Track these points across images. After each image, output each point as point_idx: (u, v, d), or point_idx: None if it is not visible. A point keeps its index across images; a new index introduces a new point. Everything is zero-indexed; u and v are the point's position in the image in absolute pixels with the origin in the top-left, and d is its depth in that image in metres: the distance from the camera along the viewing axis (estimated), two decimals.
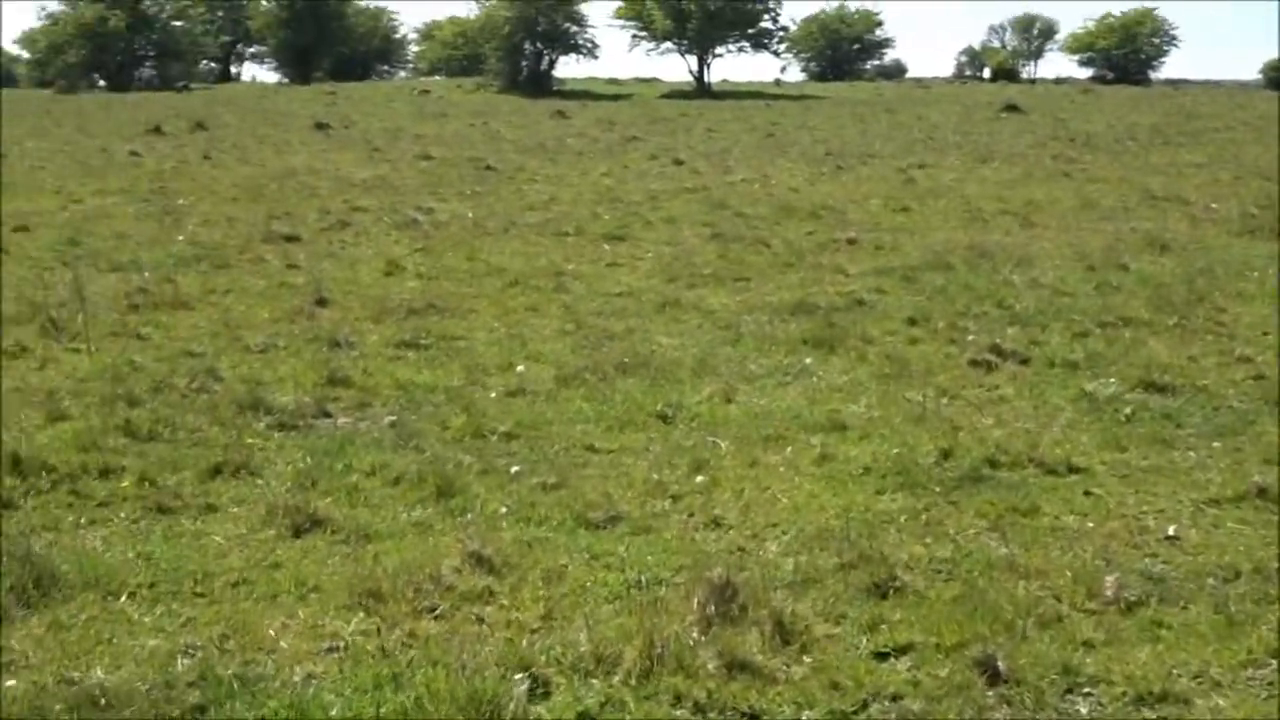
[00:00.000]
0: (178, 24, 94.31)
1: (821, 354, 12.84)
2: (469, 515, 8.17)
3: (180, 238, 21.04)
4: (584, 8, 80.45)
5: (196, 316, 14.95)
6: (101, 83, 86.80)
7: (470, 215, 23.61)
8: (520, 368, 12.39)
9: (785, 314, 14.78)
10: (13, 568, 6.86)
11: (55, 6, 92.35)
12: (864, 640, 6.41)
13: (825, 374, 12.04)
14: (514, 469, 9.03)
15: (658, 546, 7.66)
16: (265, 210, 24.54)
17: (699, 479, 8.89)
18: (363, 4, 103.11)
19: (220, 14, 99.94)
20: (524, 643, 6.27)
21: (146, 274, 17.24)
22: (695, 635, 6.27)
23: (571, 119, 52.32)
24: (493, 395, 11.36)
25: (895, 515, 8.20)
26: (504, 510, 8.26)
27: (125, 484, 8.81)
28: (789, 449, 9.59)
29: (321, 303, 15.55)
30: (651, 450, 9.66)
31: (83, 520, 8.18)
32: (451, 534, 7.70)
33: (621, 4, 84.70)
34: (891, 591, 6.92)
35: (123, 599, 6.89)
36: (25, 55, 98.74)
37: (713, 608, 6.40)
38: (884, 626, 6.52)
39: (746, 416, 10.54)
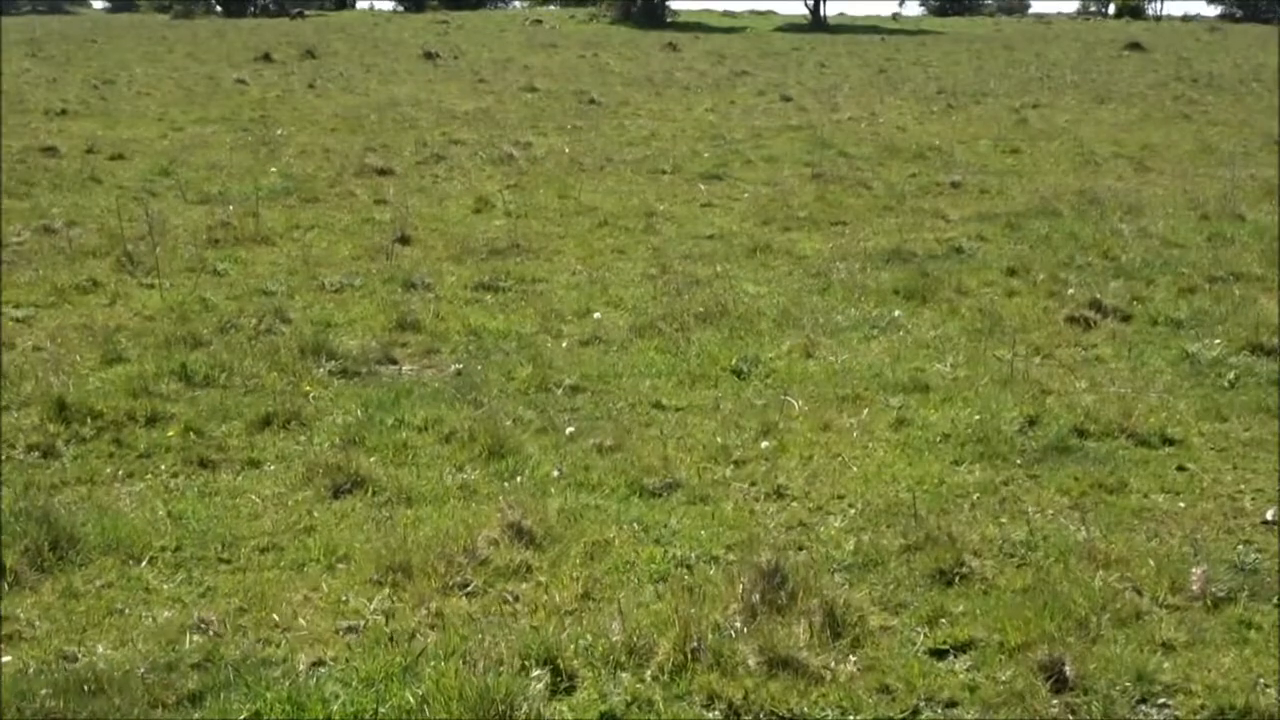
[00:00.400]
0: None
1: (912, 306, 12.27)
2: (518, 479, 7.76)
3: (273, 169, 20.82)
4: None
5: (276, 252, 14.66)
6: (218, 8, 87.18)
7: (567, 151, 23.16)
8: (597, 314, 11.96)
9: (879, 261, 14.19)
10: (29, 529, 6.55)
11: None
12: (921, 635, 5.91)
13: (914, 328, 11.47)
14: (569, 429, 8.59)
15: (713, 519, 7.20)
16: (362, 142, 24.30)
17: (766, 443, 8.41)
18: None
19: None
20: (552, 628, 5.84)
21: (231, 207, 16.97)
22: (737, 625, 5.81)
23: (682, 51, 51.56)
24: (564, 344, 10.93)
25: (970, 489, 7.66)
26: (555, 474, 7.83)
27: (171, 433, 8.51)
28: (865, 411, 9.07)
29: (404, 240, 15.21)
30: (721, 409, 9.18)
31: (120, 473, 7.89)
32: (496, 500, 7.29)
33: None
34: (957, 579, 6.40)
35: (144, 564, 6.56)
36: None
37: (758, 595, 5.92)
38: (944, 620, 6.01)
39: (825, 374, 10.02)
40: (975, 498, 7.53)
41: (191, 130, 26.40)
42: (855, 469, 8.02)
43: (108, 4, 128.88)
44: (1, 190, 18.18)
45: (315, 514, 7.25)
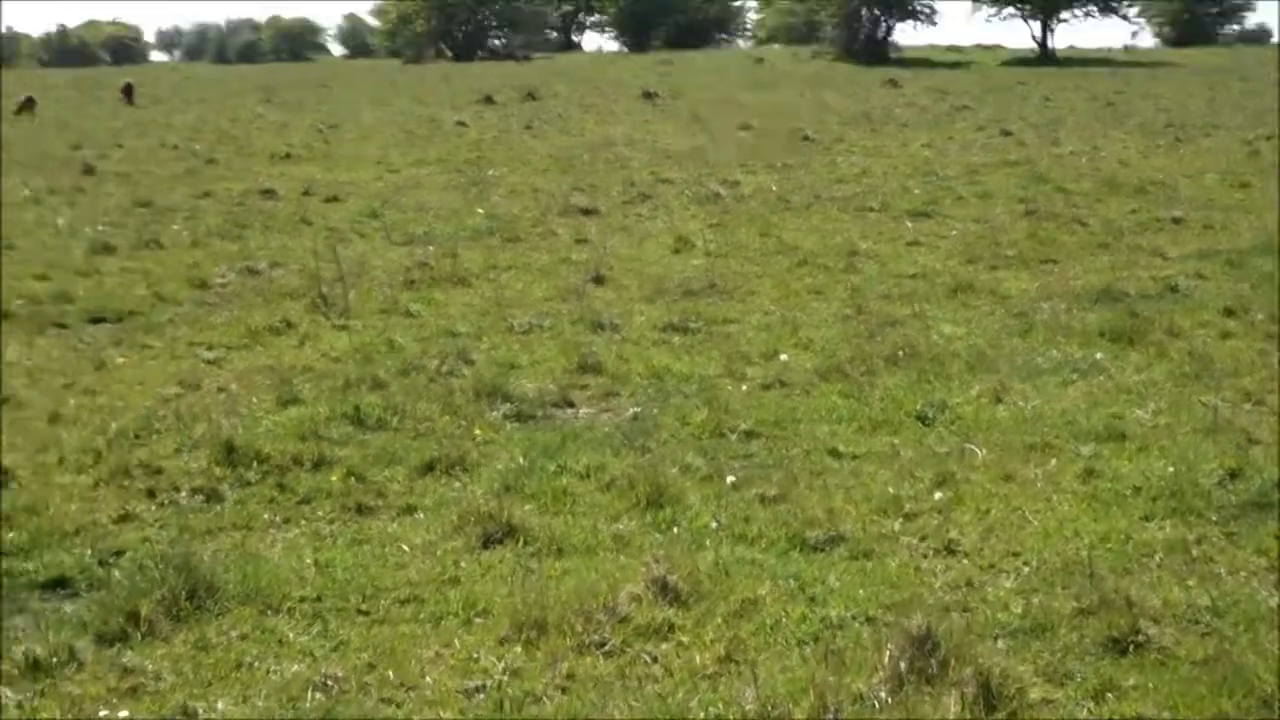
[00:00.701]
0: None
1: (1118, 348, 11.66)
2: (675, 530, 7.46)
3: (479, 210, 20.96)
4: None
5: (471, 293, 14.64)
6: (449, 53, 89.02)
7: (775, 188, 22.88)
8: (784, 356, 11.62)
9: (1087, 301, 13.58)
10: (168, 576, 6.45)
11: None
12: (1086, 710, 5.43)
13: (1117, 371, 10.88)
14: (730, 479, 8.26)
15: (874, 576, 6.80)
16: (571, 182, 24.38)
17: (940, 495, 7.96)
18: None
19: None
20: (682, 695, 5.50)
21: (431, 248, 17.07)
22: (881, 695, 5.41)
23: (903, 87, 50.95)
24: (744, 388, 10.61)
25: (1158, 548, 7.11)
26: (714, 525, 7.51)
27: (334, 478, 8.42)
28: (1053, 461, 8.56)
29: (599, 280, 15.08)
30: (899, 457, 8.76)
31: (277, 519, 7.81)
32: (648, 552, 6.99)
33: None
34: (1132, 647, 5.90)
35: (281, 614, 6.42)
36: (377, 25, 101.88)
37: (906, 662, 5.51)
38: (1113, 694, 5.52)
39: (1014, 420, 9.52)
40: (1161, 557, 6.99)
41: (408, 172, 26.81)
42: (1035, 523, 7.54)
43: (346, 51, 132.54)
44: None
45: (462, 564, 7.04)
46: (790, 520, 7.52)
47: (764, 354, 11.76)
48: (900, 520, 7.61)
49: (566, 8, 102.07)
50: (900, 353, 11.36)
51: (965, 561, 7.04)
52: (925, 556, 7.12)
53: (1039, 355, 11.48)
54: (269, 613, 6.43)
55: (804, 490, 8.05)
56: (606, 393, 10.66)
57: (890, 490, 8.03)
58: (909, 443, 9.10)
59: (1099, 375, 10.77)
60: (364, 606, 6.53)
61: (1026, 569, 6.90)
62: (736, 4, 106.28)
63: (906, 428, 9.46)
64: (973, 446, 8.82)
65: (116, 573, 6.85)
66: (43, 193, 23.75)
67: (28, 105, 43.88)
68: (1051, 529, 7.44)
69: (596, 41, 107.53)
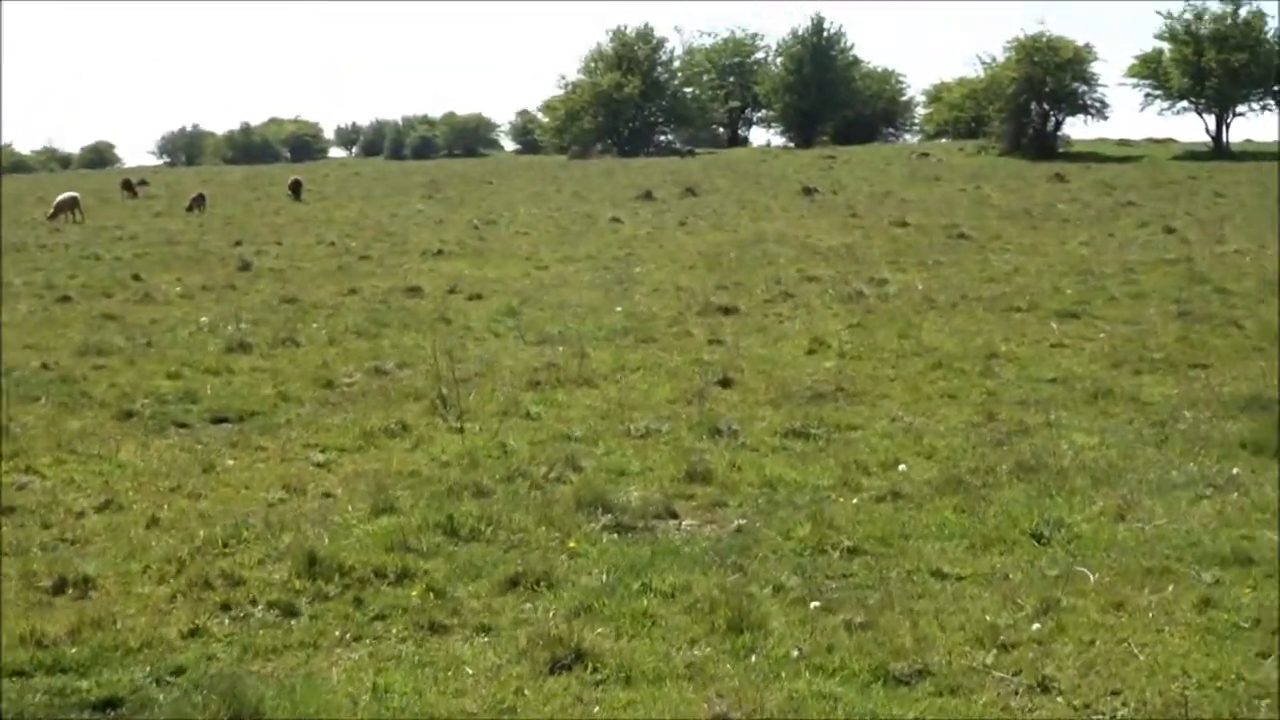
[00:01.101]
0: (687, 90, 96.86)
1: (1260, 462, 11.06)
2: (752, 658, 7.08)
3: (618, 308, 20.81)
4: (1094, 67, 76.79)
5: (594, 395, 14.43)
6: (614, 149, 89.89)
7: (920, 287, 22.42)
8: (903, 466, 11.20)
9: (1233, 409, 12.96)
10: (210, 701, 6.24)
11: (575, 76, 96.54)
12: None
13: (1254, 488, 10.27)
14: (814, 604, 7.85)
15: (959, 716, 6.35)
16: (716, 279, 24.16)
17: (1040, 625, 7.48)
18: (870, 67, 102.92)
19: (730, 79, 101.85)
20: None
21: (561, 348, 16.92)
22: None
23: (1069, 182, 50.02)
24: (855, 501, 10.21)
25: (1271, 690, 6.57)
26: (795, 654, 7.12)
27: (414, 593, 8.19)
28: (1170, 587, 8.03)
29: (725, 383, 14.79)
30: (1006, 580, 8.30)
31: (347, 636, 7.59)
32: (719, 683, 6.62)
33: (1135, 63, 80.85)
34: None
35: None
36: (546, 120, 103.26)
37: None
38: None
39: (1134, 540, 8.99)
40: (1272, 702, 6.44)
41: (555, 269, 26.82)
42: (1142, 658, 7.04)
43: (519, 146, 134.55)
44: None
45: (527, 692, 6.74)
46: (875, 650, 7.11)
47: (883, 463, 11.35)
48: (995, 652, 7.15)
49: (733, 104, 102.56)
50: (1024, 463, 10.89)
51: (1059, 700, 6.58)
52: (1016, 694, 6.66)
53: (1173, 468, 10.93)
54: None
55: (896, 616, 7.63)
56: (713, 503, 10.33)
57: (988, 618, 7.58)
58: (1019, 564, 8.63)
59: (1234, 491, 10.18)
60: None
61: (1124, 710, 6.42)
62: (904, 99, 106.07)
63: (1019, 546, 8.98)
64: (1084, 569, 8.34)
65: (163, 696, 6.66)
66: (195, 289, 24.20)
67: (198, 202, 45.02)
68: (1158, 664, 6.93)
69: (764, 136, 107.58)
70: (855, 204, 41.78)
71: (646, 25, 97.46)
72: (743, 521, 9.78)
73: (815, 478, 10.93)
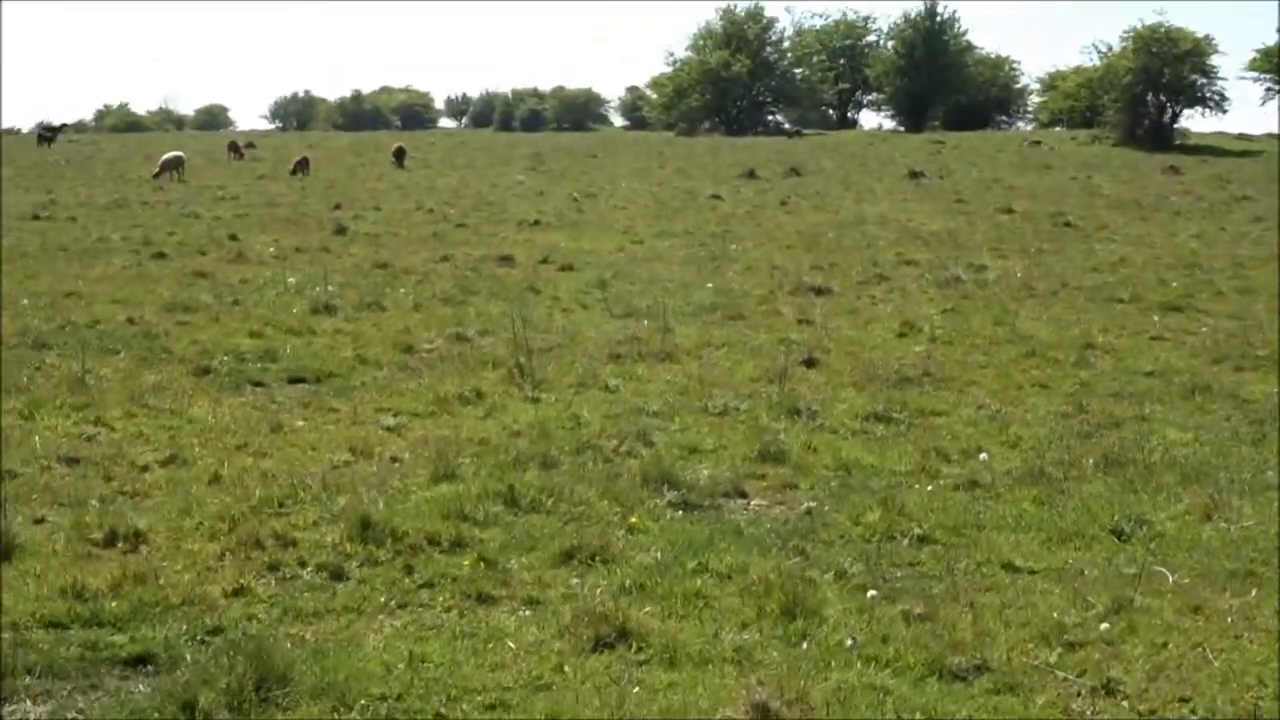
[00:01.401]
0: (797, 71, 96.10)
1: None
2: (804, 644, 6.80)
3: (710, 285, 20.49)
4: (1214, 60, 74.99)
5: (675, 370, 14.17)
6: (722, 127, 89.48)
7: (1020, 275, 21.87)
8: (984, 455, 10.82)
9: None
10: (236, 664, 6.06)
11: (684, 53, 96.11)
12: None
13: None
14: (871, 592, 7.54)
15: (1015, 715, 6.04)
16: (812, 259, 23.77)
17: (1110, 624, 7.12)
18: (983, 53, 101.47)
19: (841, 61, 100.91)
20: None
21: (646, 322, 16.67)
22: None
23: (1183, 175, 48.90)
24: (930, 488, 9.87)
25: None
26: (848, 643, 6.82)
27: (465, 562, 7.99)
28: (1253, 591, 7.64)
29: (810, 363, 14.45)
30: (1080, 576, 7.94)
31: (392, 603, 7.40)
32: (765, 669, 6.35)
33: (1256, 56, 79.02)
34: None
35: (353, 712, 5.97)
36: (654, 97, 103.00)
37: None
38: None
39: (1220, 541, 8.59)
40: None
41: (650, 244, 26.55)
42: (1216, 663, 6.67)
43: (627, 122, 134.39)
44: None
45: (566, 669, 6.51)
46: (933, 642, 6.79)
47: (964, 451, 10.99)
48: (1059, 650, 6.81)
49: (843, 85, 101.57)
50: (1111, 457, 10.49)
51: (1124, 704, 6.24)
52: (1078, 695, 6.32)
53: (1268, 468, 10.47)
54: (340, 709, 5.99)
55: (958, 608, 7.30)
56: (784, 484, 10.03)
57: (1055, 615, 7.23)
58: (1095, 560, 8.27)
59: None
60: (444, 710, 6.05)
61: (1192, 718, 6.06)
62: (1018, 86, 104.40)
63: (1097, 542, 8.61)
64: (1163, 569, 7.95)
65: (195, 655, 6.49)
66: (289, 250, 24.23)
67: (302, 166, 45.26)
68: (1233, 672, 6.57)
69: (875, 119, 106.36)
70: (961, 189, 41.10)
71: (756, 5, 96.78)
72: (812, 504, 9.49)
73: (892, 463, 10.61)
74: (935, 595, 7.52)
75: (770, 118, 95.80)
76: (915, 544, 8.56)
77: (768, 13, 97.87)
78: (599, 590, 7.42)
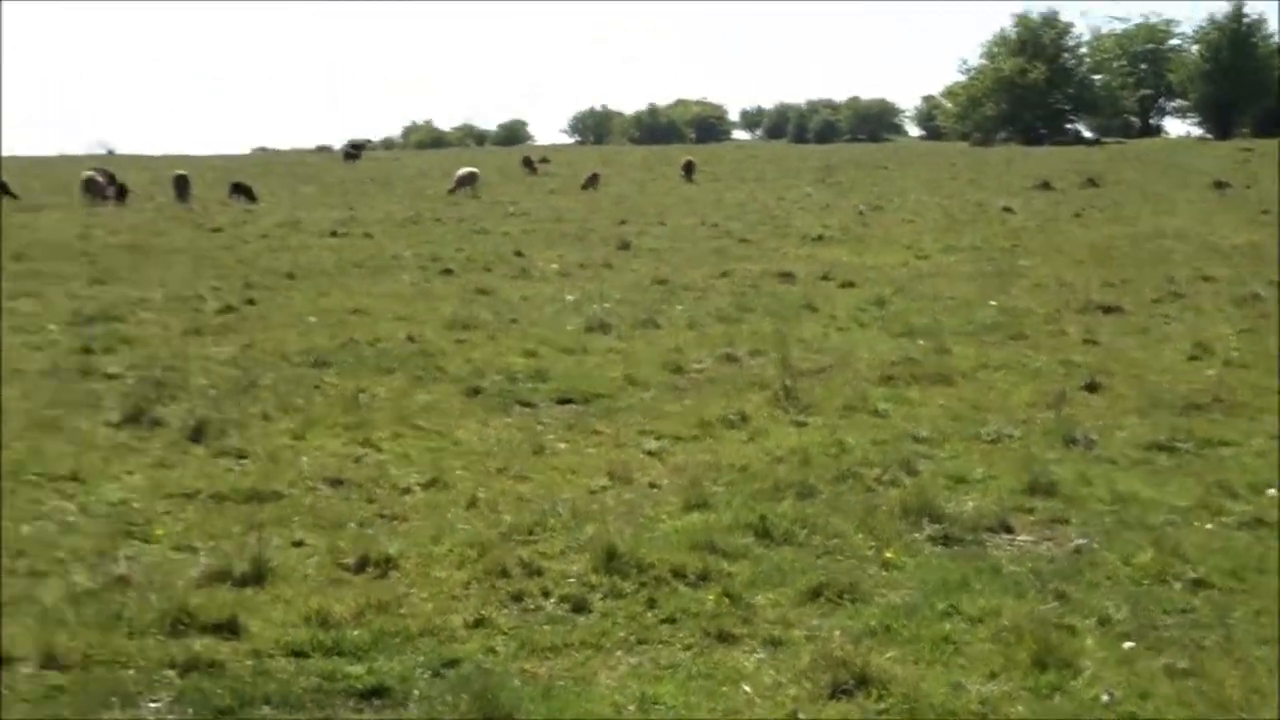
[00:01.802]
0: (1096, 77, 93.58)
1: None
2: (1055, 698, 6.41)
3: (993, 303, 19.92)
4: None
5: (950, 394, 13.73)
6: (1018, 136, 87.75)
7: None
8: (1272, 490, 10.15)
9: None
10: (460, 703, 5.98)
11: (977, 61, 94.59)
12: None
13: None
14: (1128, 644, 7.08)
15: None
16: (1103, 276, 22.90)
17: None
18: None
19: (1142, 66, 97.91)
20: None
21: (921, 341, 16.25)
22: None
23: None
24: (1210, 526, 9.29)
25: None
26: (1104, 699, 6.40)
27: (710, 597, 7.80)
28: None
29: (1091, 388, 13.85)
30: None
31: (630, 639, 7.26)
32: None
33: None
34: None
35: None
36: (948, 106, 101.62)
37: None
38: None
39: None
40: None
41: (935, 259, 26.05)
42: None
43: (923, 132, 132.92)
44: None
45: (801, 716, 6.26)
46: (1197, 700, 6.33)
47: (1252, 485, 10.33)
48: None
49: (1144, 91, 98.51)
50: None
51: None
52: None
53: None
54: None
55: (1231, 663, 6.81)
56: (1053, 519, 9.57)
57: None
58: None
59: None
60: None
61: None
62: None
63: None
64: None
65: (428, 690, 6.45)
66: (573, 266, 24.49)
67: (592, 181, 45.89)
68: None
69: (1180, 127, 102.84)
70: (1269, 201, 39.16)
71: (1052, 10, 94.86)
72: (1082, 541, 9.02)
73: (1172, 497, 10.03)
74: (1205, 647, 7.03)
75: (1068, 126, 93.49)
76: (1189, 588, 8.04)
77: (1063, 17, 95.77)
78: (838, 632, 7.14)
